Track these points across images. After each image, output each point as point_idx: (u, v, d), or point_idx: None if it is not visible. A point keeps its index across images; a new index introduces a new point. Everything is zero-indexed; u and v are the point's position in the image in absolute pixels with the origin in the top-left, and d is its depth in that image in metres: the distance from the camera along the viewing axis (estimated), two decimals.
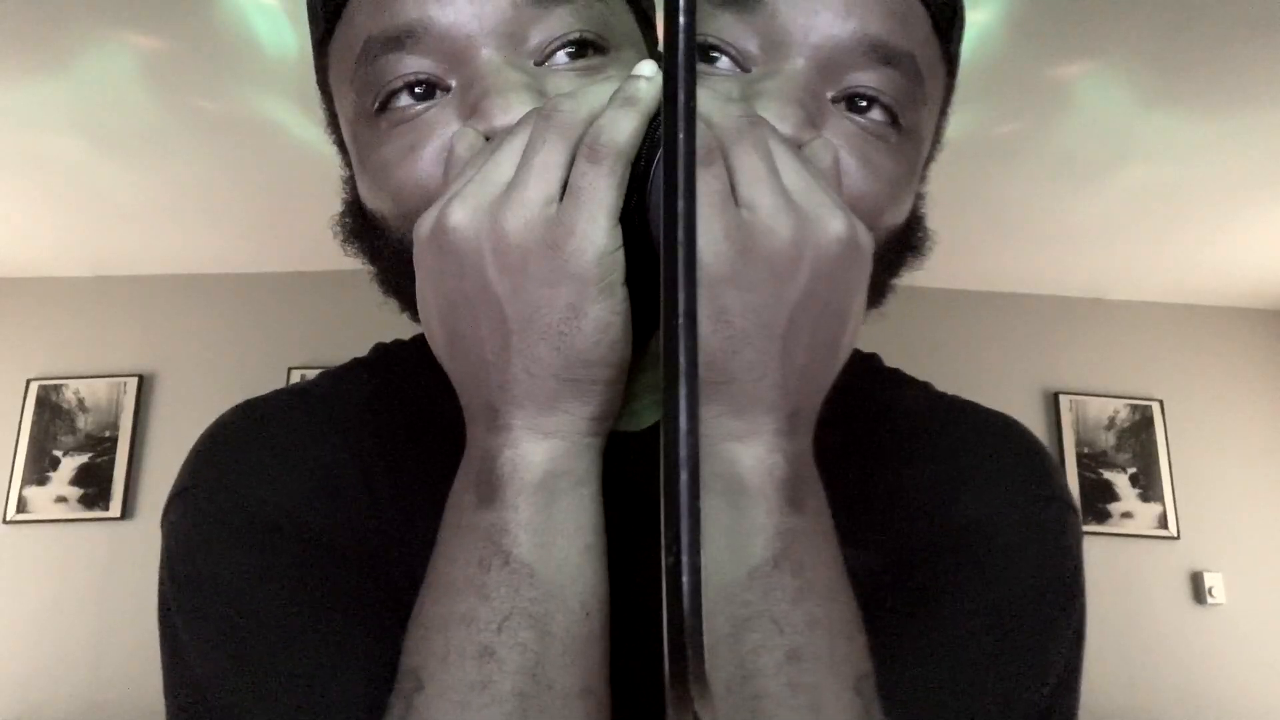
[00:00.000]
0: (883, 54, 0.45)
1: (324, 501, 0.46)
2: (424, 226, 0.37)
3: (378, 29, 0.44)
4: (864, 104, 0.45)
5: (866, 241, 0.37)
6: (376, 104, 0.44)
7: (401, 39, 0.43)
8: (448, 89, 0.44)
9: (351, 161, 0.49)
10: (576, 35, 0.44)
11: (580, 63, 0.44)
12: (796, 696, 0.34)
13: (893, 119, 0.45)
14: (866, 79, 0.45)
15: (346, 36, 0.46)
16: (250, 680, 0.41)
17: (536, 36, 0.44)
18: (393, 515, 0.47)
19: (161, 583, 0.46)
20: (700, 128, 0.35)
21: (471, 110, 0.42)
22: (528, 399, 0.36)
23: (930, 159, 0.52)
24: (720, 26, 0.45)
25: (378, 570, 0.45)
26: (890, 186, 0.46)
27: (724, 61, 0.45)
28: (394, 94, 0.44)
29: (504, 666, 0.34)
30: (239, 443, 0.49)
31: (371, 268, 0.49)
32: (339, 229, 0.51)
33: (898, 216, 0.48)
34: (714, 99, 0.37)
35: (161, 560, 0.47)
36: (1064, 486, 0.52)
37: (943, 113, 0.52)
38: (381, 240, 0.47)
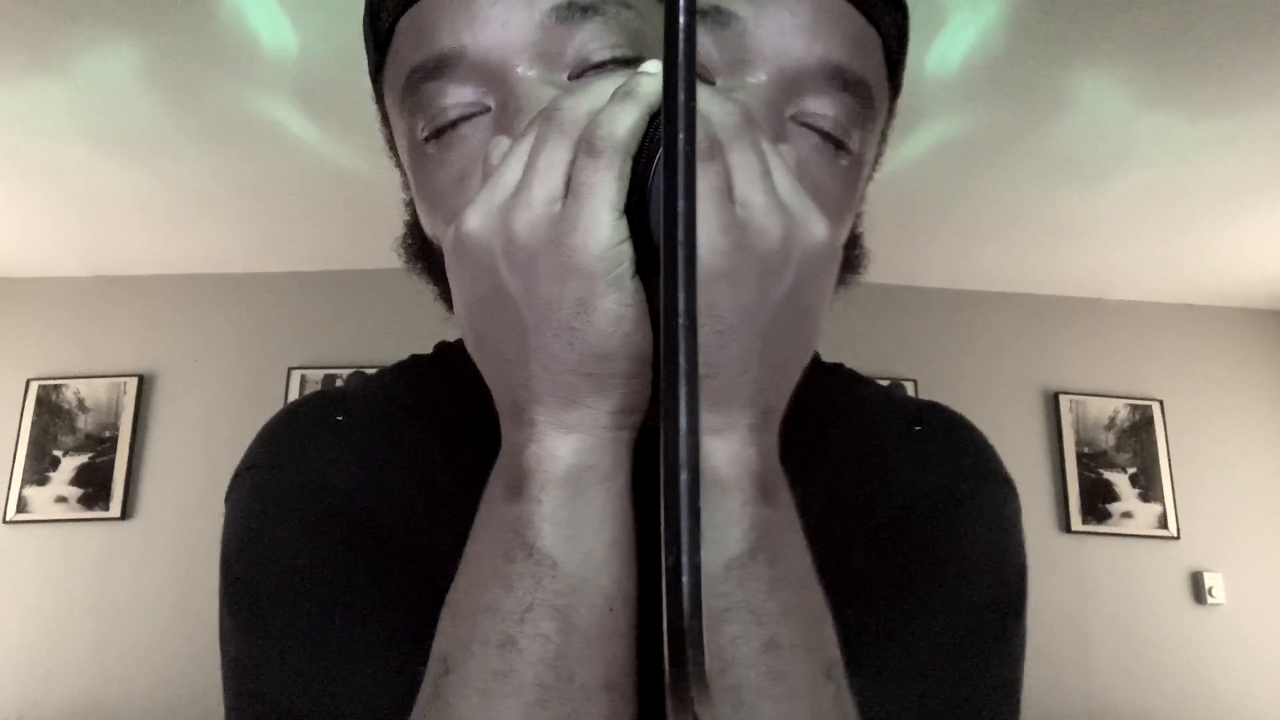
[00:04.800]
0: (841, 80, 0.46)
1: (381, 489, 0.48)
2: (449, 235, 0.38)
3: (418, 59, 0.46)
4: (820, 126, 0.47)
5: (839, 247, 0.39)
6: (424, 134, 0.46)
7: (441, 68, 0.45)
8: (488, 109, 0.45)
9: (410, 185, 0.51)
10: (606, 54, 0.44)
11: (610, 80, 0.45)
12: (775, 685, 0.35)
13: (843, 143, 0.47)
14: (822, 104, 0.47)
15: (395, 67, 0.48)
16: (292, 653, 0.42)
17: (570, 51, 0.44)
18: (447, 507, 0.48)
19: (222, 556, 0.48)
20: (700, 123, 0.35)
21: (506, 130, 0.44)
22: (548, 395, 0.37)
23: (868, 180, 0.54)
24: None
25: (428, 559, 0.45)
26: (835, 212, 0.48)
27: None
28: (441, 127, 0.46)
29: (525, 656, 0.35)
30: (304, 427, 0.51)
31: (434, 288, 0.51)
32: (402, 250, 0.53)
33: (838, 239, 0.49)
34: (713, 96, 0.38)
35: (222, 535, 0.48)
36: (1001, 463, 0.54)
37: (883, 138, 0.54)
38: (441, 263, 0.48)
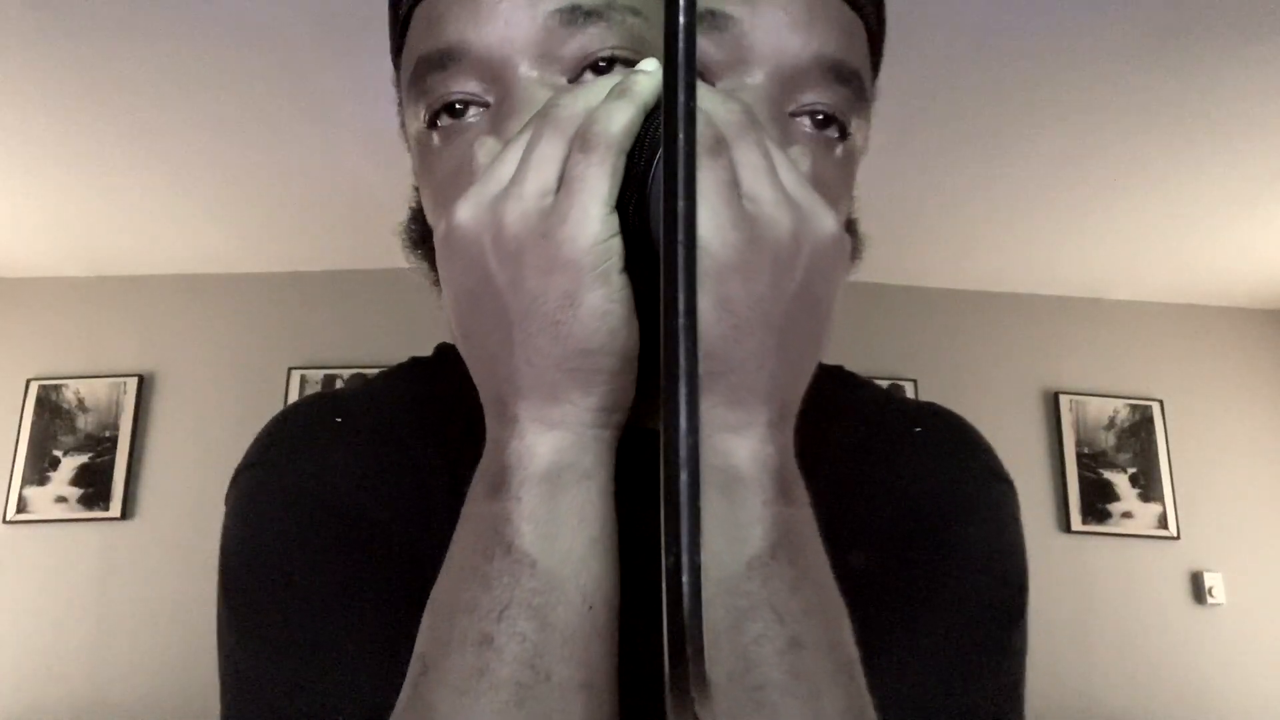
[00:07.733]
0: (837, 74, 0.47)
1: (378, 490, 0.49)
2: (439, 227, 0.38)
3: (425, 49, 0.46)
4: (820, 119, 0.47)
5: (848, 241, 0.39)
6: (425, 120, 0.47)
7: (444, 60, 0.45)
8: (487, 105, 0.46)
9: (416, 171, 0.52)
10: (609, 53, 0.45)
11: (609, 79, 0.45)
12: (798, 684, 0.35)
13: (842, 134, 0.48)
14: (822, 96, 0.47)
15: (407, 54, 0.49)
16: (286, 653, 0.43)
17: (571, 53, 0.45)
18: (442, 508, 0.48)
19: (220, 554, 0.48)
20: (702, 120, 0.35)
21: (498, 128, 0.44)
22: (531, 390, 0.37)
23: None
24: None
25: (422, 560, 0.46)
26: (835, 202, 0.48)
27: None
28: (438, 112, 0.46)
29: (502, 655, 0.35)
30: (303, 428, 0.52)
31: (433, 274, 0.51)
32: (405, 235, 0.54)
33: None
34: (714, 95, 0.38)
35: (221, 534, 0.49)
36: (1001, 464, 0.55)
37: (868, 120, 0.54)
38: None
